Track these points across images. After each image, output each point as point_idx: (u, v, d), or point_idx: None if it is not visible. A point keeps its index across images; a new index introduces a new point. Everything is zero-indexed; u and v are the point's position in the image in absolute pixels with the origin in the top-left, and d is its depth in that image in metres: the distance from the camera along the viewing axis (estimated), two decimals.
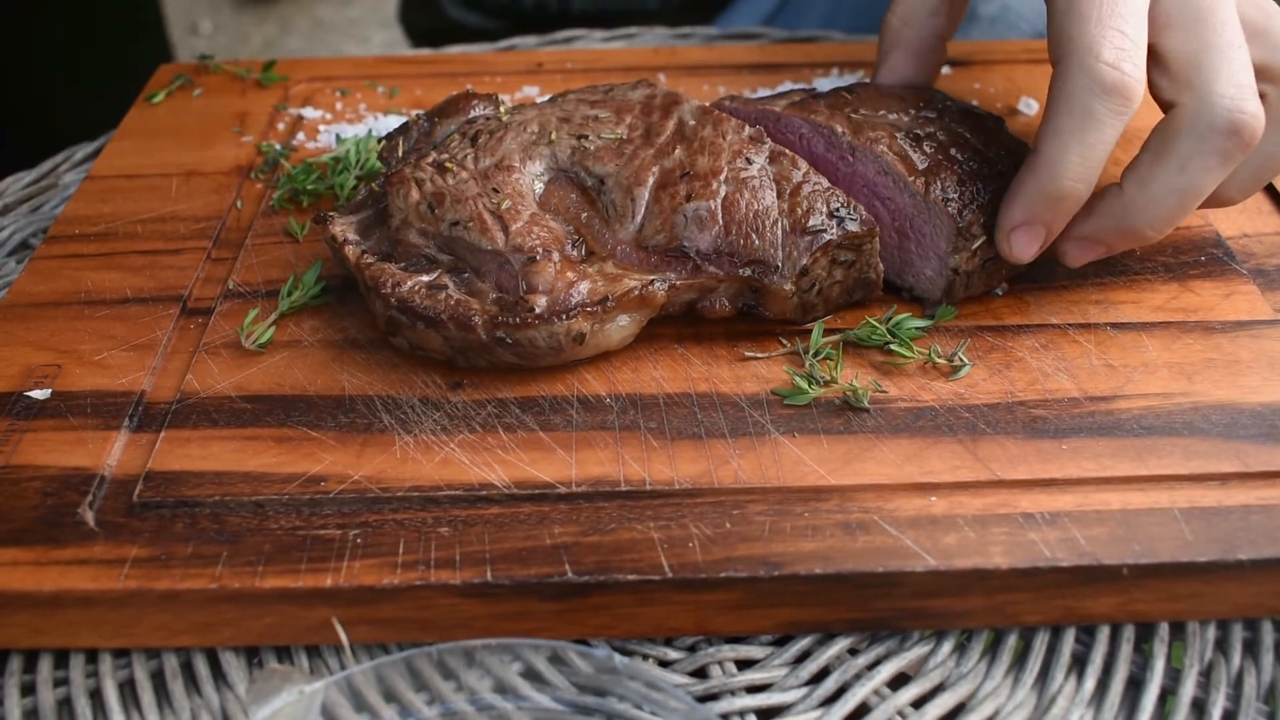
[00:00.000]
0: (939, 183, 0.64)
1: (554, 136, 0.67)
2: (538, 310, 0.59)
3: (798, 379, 0.61)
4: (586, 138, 0.66)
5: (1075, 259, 0.65)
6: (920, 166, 0.65)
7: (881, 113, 0.69)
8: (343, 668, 0.55)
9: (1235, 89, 0.58)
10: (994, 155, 0.66)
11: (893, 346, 0.63)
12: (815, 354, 0.63)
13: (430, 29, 1.46)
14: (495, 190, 0.64)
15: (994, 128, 0.69)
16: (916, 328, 0.64)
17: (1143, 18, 0.59)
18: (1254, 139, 0.59)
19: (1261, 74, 0.61)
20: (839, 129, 0.67)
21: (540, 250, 0.61)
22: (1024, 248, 0.62)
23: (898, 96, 0.71)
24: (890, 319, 0.64)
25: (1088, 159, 0.59)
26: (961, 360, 0.62)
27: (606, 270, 0.62)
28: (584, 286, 0.60)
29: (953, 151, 0.66)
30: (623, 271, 0.62)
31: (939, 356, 0.63)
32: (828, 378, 0.61)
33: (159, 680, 0.54)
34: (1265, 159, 0.63)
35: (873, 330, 0.63)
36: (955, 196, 0.64)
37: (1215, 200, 0.65)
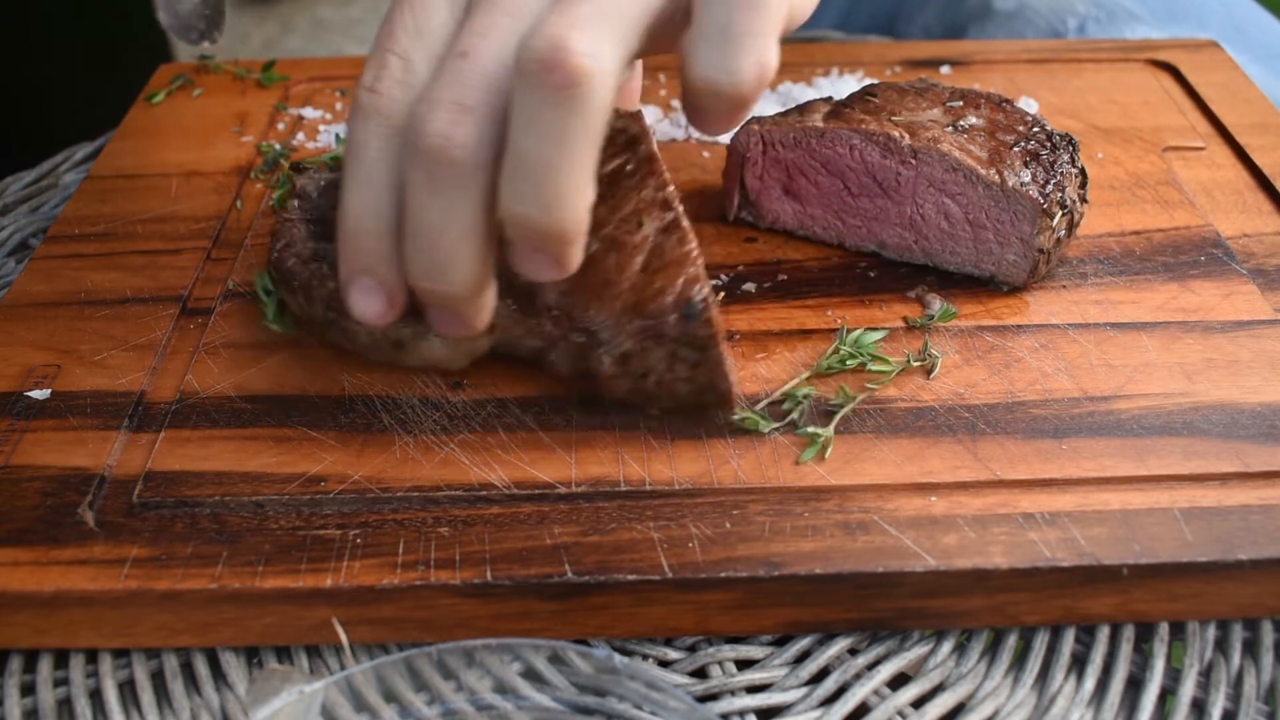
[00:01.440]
0: (1009, 170, 0.65)
1: None
2: None
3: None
4: None
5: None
6: (984, 157, 0.66)
7: (919, 112, 0.69)
8: (343, 668, 0.55)
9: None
10: (1027, 131, 0.68)
11: (871, 367, 0.62)
12: (798, 421, 0.60)
13: None
14: None
15: (1009, 106, 0.71)
16: (875, 341, 0.63)
17: (432, 16, 0.50)
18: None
19: None
20: (896, 134, 0.67)
21: None
22: (364, 305, 0.52)
23: (915, 93, 0.72)
24: (846, 339, 0.63)
25: (364, 190, 0.49)
26: (933, 355, 0.62)
27: None
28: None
29: (1000, 136, 0.67)
30: None
31: (915, 360, 0.63)
32: (816, 431, 0.59)
33: (159, 680, 0.54)
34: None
35: (842, 359, 0.62)
36: (1028, 180, 0.65)
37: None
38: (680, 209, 0.59)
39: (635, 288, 0.56)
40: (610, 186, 0.60)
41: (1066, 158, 0.67)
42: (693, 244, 0.57)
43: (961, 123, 0.68)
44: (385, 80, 0.49)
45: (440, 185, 0.47)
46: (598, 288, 0.56)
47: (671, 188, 0.60)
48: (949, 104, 0.70)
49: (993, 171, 0.65)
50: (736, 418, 0.59)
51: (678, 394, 0.58)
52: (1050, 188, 0.65)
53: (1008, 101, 0.71)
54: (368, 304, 0.52)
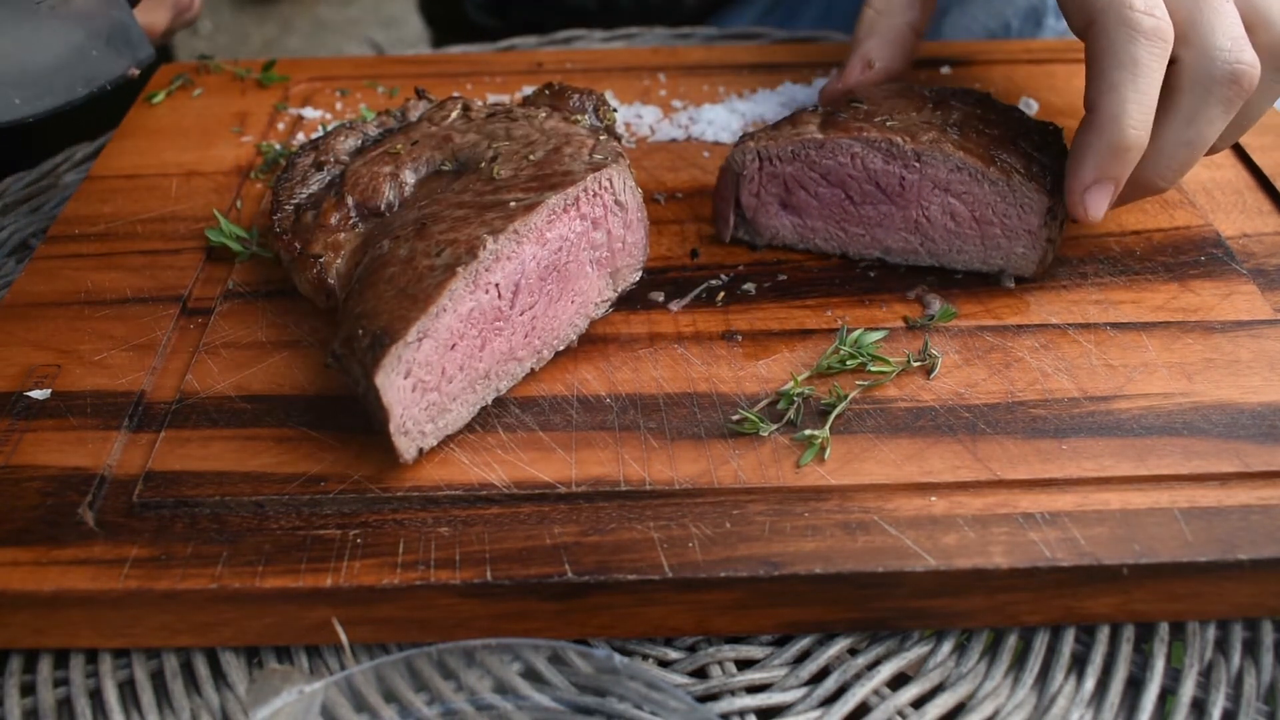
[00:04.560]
0: (1012, 166, 0.66)
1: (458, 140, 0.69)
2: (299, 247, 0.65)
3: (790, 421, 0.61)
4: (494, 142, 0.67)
5: (1096, 207, 0.65)
6: (985, 154, 0.66)
7: (911, 114, 0.69)
8: (343, 668, 0.55)
9: (1231, 41, 0.61)
10: (1022, 127, 0.69)
11: (871, 367, 0.62)
12: (796, 421, 0.60)
13: (447, 19, 1.47)
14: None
15: (989, 100, 0.71)
16: (875, 341, 0.64)
17: None
18: (1252, 85, 0.61)
19: (1246, 23, 0.63)
20: (899, 139, 0.67)
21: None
22: (1098, 205, 0.64)
23: (902, 96, 0.71)
24: (846, 340, 0.63)
25: (1143, 105, 0.61)
26: (933, 355, 0.63)
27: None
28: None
29: (996, 133, 0.67)
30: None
31: (915, 360, 0.63)
32: (816, 433, 0.59)
33: (159, 680, 0.54)
34: (1253, 105, 0.65)
35: (842, 359, 0.62)
36: (1035, 174, 0.66)
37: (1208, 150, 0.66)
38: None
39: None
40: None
41: (1057, 148, 0.68)
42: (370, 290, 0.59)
43: (954, 122, 0.68)
44: (1157, 8, 0.60)
45: (1233, 106, 0.61)
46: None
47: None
48: (934, 103, 0.70)
49: (996, 169, 0.66)
50: (736, 418, 0.59)
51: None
52: (1050, 180, 0.65)
53: (985, 95, 0.72)
54: (1102, 202, 0.63)
